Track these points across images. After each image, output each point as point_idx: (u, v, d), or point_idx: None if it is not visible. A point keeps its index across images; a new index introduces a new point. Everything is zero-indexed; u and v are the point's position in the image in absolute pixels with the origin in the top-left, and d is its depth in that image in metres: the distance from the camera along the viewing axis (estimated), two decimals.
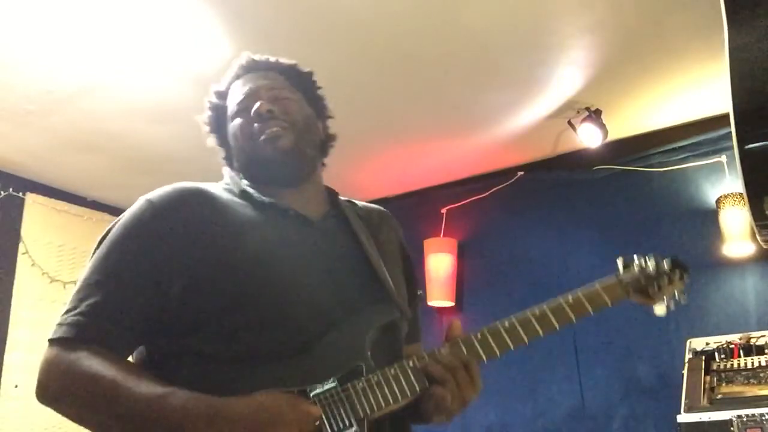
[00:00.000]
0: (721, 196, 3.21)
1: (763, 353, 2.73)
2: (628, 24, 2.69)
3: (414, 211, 4.20)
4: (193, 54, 2.77)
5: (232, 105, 1.32)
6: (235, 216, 1.18)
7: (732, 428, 2.26)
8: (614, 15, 2.63)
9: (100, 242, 1.18)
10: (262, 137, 1.25)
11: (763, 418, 2.24)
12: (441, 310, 3.99)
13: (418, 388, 1.11)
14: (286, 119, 1.27)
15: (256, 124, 1.26)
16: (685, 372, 2.76)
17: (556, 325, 1.18)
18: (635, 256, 1.27)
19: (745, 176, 1.39)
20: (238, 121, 1.29)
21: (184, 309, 1.10)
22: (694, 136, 3.46)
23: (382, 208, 1.46)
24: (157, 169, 3.72)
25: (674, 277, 1.26)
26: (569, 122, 3.40)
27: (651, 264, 1.26)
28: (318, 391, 1.07)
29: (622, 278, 1.25)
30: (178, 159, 3.61)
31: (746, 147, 1.30)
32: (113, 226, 1.19)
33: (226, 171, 1.34)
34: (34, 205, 3.96)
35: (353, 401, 1.07)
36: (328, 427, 1.04)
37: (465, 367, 1.13)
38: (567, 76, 3.07)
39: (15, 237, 3.84)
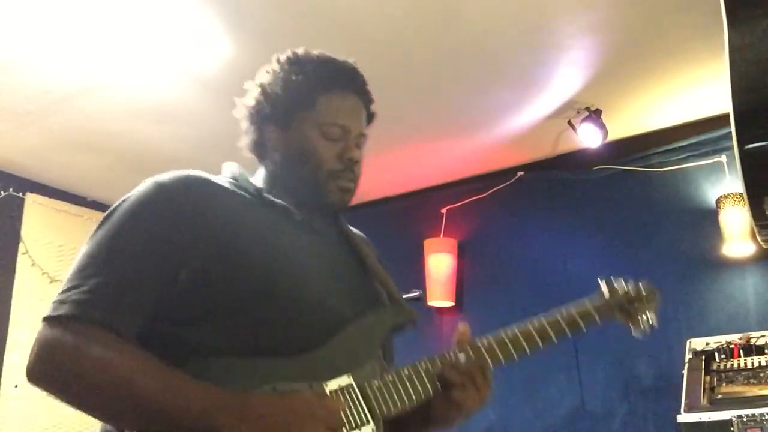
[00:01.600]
0: (721, 196, 3.21)
1: (763, 353, 2.73)
2: (628, 24, 2.70)
3: (414, 211, 4.20)
4: (193, 54, 2.77)
5: (322, 117, 1.21)
6: (247, 211, 1.16)
7: (732, 428, 2.26)
8: (614, 15, 2.63)
9: (104, 220, 1.11)
10: (340, 184, 1.21)
11: (763, 418, 2.23)
12: (441, 310, 3.98)
13: (431, 391, 1.12)
14: (358, 175, 1.25)
15: (341, 167, 1.21)
16: (685, 372, 2.76)
17: (554, 339, 1.24)
18: (614, 279, 1.38)
19: (745, 176, 1.39)
20: (322, 143, 1.20)
21: (190, 298, 1.06)
22: (694, 136, 3.46)
23: (360, 233, 1.43)
24: (157, 169, 3.67)
25: (651, 301, 1.37)
26: (569, 122, 3.40)
27: (632, 288, 1.37)
28: (334, 387, 1.06)
29: (610, 299, 1.34)
30: (178, 159, 3.61)
31: (746, 147, 1.30)
32: (119, 205, 1.12)
33: (232, 167, 1.26)
34: (34, 205, 3.96)
35: (369, 399, 1.07)
36: (345, 422, 1.04)
37: (482, 372, 1.16)
38: (567, 76, 3.07)
39: (15, 237, 3.85)
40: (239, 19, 2.58)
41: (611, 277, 1.38)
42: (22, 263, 3.85)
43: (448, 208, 4.10)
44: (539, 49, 2.85)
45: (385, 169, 3.94)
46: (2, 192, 3.80)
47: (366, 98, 1.29)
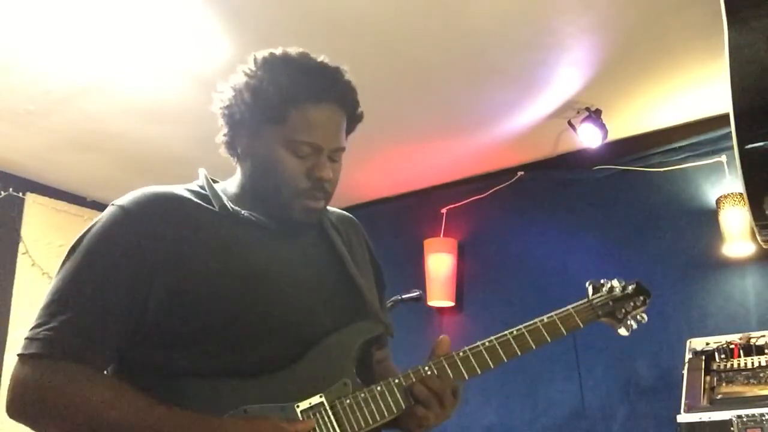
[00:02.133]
0: (721, 196, 3.21)
1: (763, 353, 2.72)
2: (628, 24, 2.69)
3: (414, 211, 4.20)
4: (193, 54, 2.77)
5: (292, 133, 1.14)
6: (215, 230, 1.13)
7: (732, 428, 2.26)
8: (614, 15, 2.63)
9: (70, 253, 1.11)
10: (306, 203, 1.16)
11: (763, 418, 2.23)
12: (441, 310, 3.99)
13: (403, 405, 1.13)
14: (330, 192, 1.19)
15: (308, 187, 1.15)
16: (685, 372, 2.76)
17: (533, 345, 1.24)
18: (602, 280, 1.38)
19: (745, 176, 1.39)
20: (290, 160, 1.14)
21: (162, 323, 1.06)
22: (694, 136, 3.45)
23: (348, 213, 1.40)
24: (157, 169, 3.72)
25: (638, 301, 1.37)
26: (569, 122, 3.40)
27: (618, 288, 1.37)
28: (305, 407, 1.07)
29: (593, 301, 1.34)
30: (178, 159, 3.61)
31: (746, 147, 1.30)
32: (84, 235, 1.12)
33: (202, 176, 1.24)
34: (34, 205, 3.96)
35: (341, 417, 1.08)
36: None
37: (451, 389, 1.16)
38: (567, 76, 3.07)
39: (15, 237, 3.85)
40: (239, 19, 2.58)
41: (600, 279, 1.38)
42: (22, 263, 3.85)
43: (448, 208, 4.10)
44: (539, 49, 2.85)
45: (385, 169, 3.94)
46: (2, 192, 3.80)
47: (347, 105, 1.21)
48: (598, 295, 1.35)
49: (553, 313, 1.29)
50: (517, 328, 1.25)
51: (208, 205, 1.16)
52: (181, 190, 1.18)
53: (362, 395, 1.11)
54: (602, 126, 3.31)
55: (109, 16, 2.54)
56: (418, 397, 1.12)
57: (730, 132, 1.44)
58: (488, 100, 3.25)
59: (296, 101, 1.14)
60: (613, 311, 1.35)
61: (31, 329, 1.05)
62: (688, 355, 2.91)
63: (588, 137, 3.36)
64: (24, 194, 3.92)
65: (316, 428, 1.06)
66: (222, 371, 1.06)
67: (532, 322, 1.26)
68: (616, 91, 3.22)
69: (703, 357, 2.82)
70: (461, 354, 1.19)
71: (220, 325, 1.07)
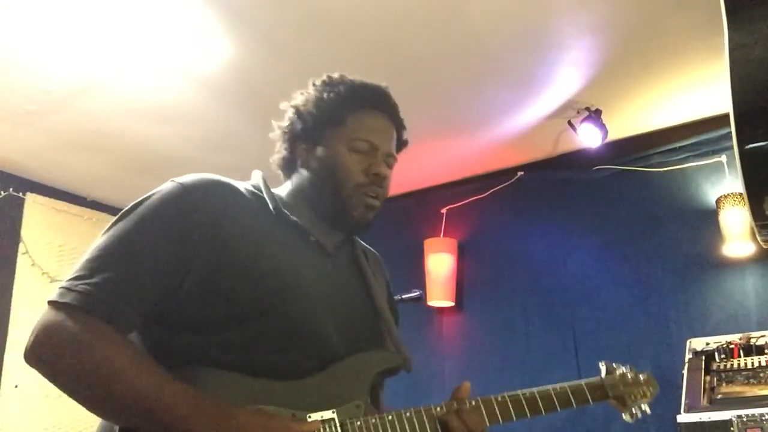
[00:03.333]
0: (721, 196, 3.21)
1: (763, 353, 2.72)
2: (628, 24, 2.69)
3: (414, 211, 4.20)
4: (193, 54, 2.77)
5: (351, 132, 1.23)
6: (263, 227, 1.16)
7: (732, 428, 2.26)
8: (614, 15, 2.63)
9: (122, 216, 1.12)
10: (365, 200, 1.22)
11: (763, 418, 2.23)
12: (441, 310, 3.99)
13: None
14: (383, 197, 1.26)
15: (367, 181, 1.22)
16: (685, 372, 2.76)
17: (543, 411, 1.29)
18: (614, 363, 1.43)
19: (745, 176, 1.39)
20: (350, 157, 1.22)
21: (192, 306, 1.08)
22: (694, 136, 3.46)
23: (374, 251, 1.45)
24: (157, 169, 3.72)
25: (647, 392, 1.42)
26: (569, 122, 3.40)
27: (630, 374, 1.41)
28: (316, 418, 1.07)
29: (605, 382, 1.38)
30: (178, 159, 3.61)
31: (746, 147, 1.30)
32: (139, 202, 1.13)
33: (258, 177, 1.27)
34: (34, 205, 3.96)
35: None
36: None
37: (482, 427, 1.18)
38: (567, 76, 3.07)
39: (15, 237, 3.85)
40: (239, 19, 2.58)
41: (612, 362, 1.43)
42: (22, 263, 3.86)
43: (448, 208, 4.11)
44: (539, 49, 2.85)
45: None
46: (2, 192, 3.80)
47: (397, 122, 1.31)
48: (611, 377, 1.40)
49: (566, 384, 1.35)
50: (530, 390, 1.29)
51: (257, 201, 1.20)
52: (237, 183, 1.22)
53: (373, 421, 1.11)
54: (602, 126, 3.31)
55: (109, 16, 2.54)
56: (453, 429, 1.13)
57: (730, 132, 1.44)
58: (488, 100, 3.25)
59: (354, 107, 1.25)
60: (622, 395, 1.39)
61: (70, 279, 1.04)
62: (688, 355, 2.91)
63: (588, 137, 3.36)
64: (24, 194, 3.92)
65: None
66: (241, 366, 1.06)
67: (542, 388, 1.32)
68: (616, 91, 3.22)
69: (703, 357, 2.82)
70: (499, 399, 1.22)
71: (251, 318, 1.08)
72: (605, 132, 3.33)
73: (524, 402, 1.24)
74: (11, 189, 3.84)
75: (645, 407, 1.40)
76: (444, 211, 4.11)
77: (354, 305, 1.24)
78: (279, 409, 1.05)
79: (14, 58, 2.78)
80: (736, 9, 1.17)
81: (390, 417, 1.12)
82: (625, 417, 1.39)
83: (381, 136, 1.25)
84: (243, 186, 1.22)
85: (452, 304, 3.93)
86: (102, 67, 2.86)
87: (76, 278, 1.04)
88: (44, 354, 1.01)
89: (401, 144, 1.34)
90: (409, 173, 4.01)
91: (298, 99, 1.29)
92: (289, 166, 1.29)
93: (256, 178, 1.27)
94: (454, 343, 3.92)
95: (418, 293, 2.63)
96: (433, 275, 3.91)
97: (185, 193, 1.12)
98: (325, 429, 1.07)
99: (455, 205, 4.09)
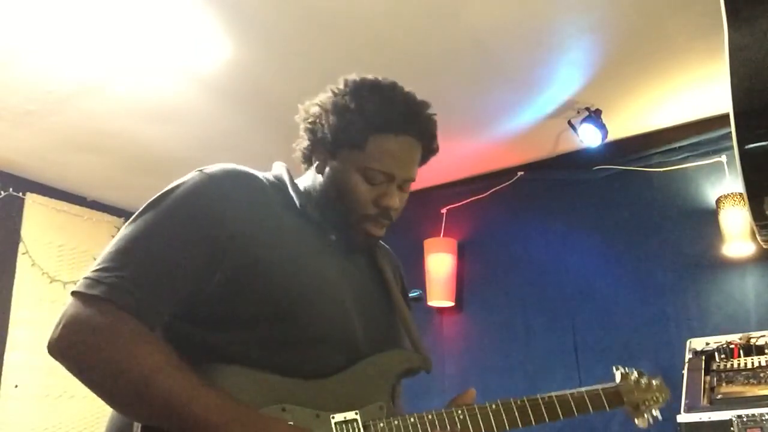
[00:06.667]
0: (721, 196, 3.21)
1: (763, 353, 2.73)
2: (628, 24, 2.69)
3: (414, 211, 4.17)
4: (193, 54, 2.77)
5: (368, 160, 1.16)
6: (289, 223, 1.15)
7: (732, 428, 2.26)
8: (614, 15, 2.63)
9: (149, 206, 1.08)
10: (369, 229, 1.19)
11: (763, 418, 2.23)
12: (441, 310, 3.99)
13: None
14: (393, 220, 1.23)
15: (374, 213, 1.18)
16: (685, 372, 2.76)
17: (561, 415, 1.28)
18: (627, 368, 1.44)
19: (745, 176, 1.39)
20: (362, 186, 1.17)
21: (219, 301, 1.05)
22: (694, 136, 3.46)
23: (390, 250, 1.44)
24: (157, 169, 3.72)
25: (660, 397, 1.43)
26: (569, 122, 3.40)
27: (644, 380, 1.42)
28: (340, 419, 1.07)
29: (621, 388, 1.39)
30: (178, 159, 3.61)
31: (746, 147, 1.30)
32: (167, 193, 1.09)
33: (282, 169, 1.24)
34: (34, 205, 3.96)
35: None
36: None
37: None
38: (567, 76, 3.07)
39: (15, 237, 3.85)
40: (239, 19, 2.58)
41: (626, 367, 1.43)
42: (22, 263, 3.85)
43: (448, 208, 4.11)
44: (539, 49, 2.85)
45: None
46: (2, 192, 3.80)
47: (425, 138, 1.26)
48: (626, 383, 1.40)
49: (582, 389, 1.33)
50: (548, 394, 1.27)
51: (283, 198, 1.18)
52: (260, 174, 1.19)
53: (395, 422, 1.10)
54: (602, 126, 3.31)
55: (109, 16, 2.54)
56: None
57: (730, 132, 1.44)
58: (488, 100, 3.25)
59: (377, 130, 1.16)
60: (636, 402, 1.39)
61: (96, 271, 1.00)
62: (688, 355, 2.91)
63: (588, 137, 3.36)
64: (24, 194, 3.92)
65: None
66: (266, 365, 1.05)
67: (560, 392, 1.30)
68: (616, 91, 3.22)
69: (703, 357, 2.82)
70: (518, 402, 1.21)
71: (275, 317, 1.07)
72: (605, 132, 3.33)
73: (543, 407, 1.24)
74: (11, 189, 3.84)
75: (656, 413, 1.41)
76: (444, 211, 4.11)
77: (375, 305, 1.23)
78: (305, 409, 1.05)
79: (14, 58, 2.78)
80: (736, 9, 1.17)
81: (412, 419, 1.12)
82: (639, 423, 1.39)
83: (400, 163, 1.19)
84: (264, 177, 1.20)
85: (452, 304, 3.93)
86: (102, 67, 2.86)
87: (103, 269, 1.00)
88: (71, 348, 0.97)
89: (429, 155, 1.31)
90: None
91: (327, 97, 1.20)
92: (307, 161, 1.26)
93: (280, 169, 1.24)
94: (454, 343, 3.91)
95: (418, 293, 2.63)
96: (433, 275, 3.91)
97: (213, 183, 1.10)
98: (348, 430, 1.07)
99: (455, 205, 4.09)
